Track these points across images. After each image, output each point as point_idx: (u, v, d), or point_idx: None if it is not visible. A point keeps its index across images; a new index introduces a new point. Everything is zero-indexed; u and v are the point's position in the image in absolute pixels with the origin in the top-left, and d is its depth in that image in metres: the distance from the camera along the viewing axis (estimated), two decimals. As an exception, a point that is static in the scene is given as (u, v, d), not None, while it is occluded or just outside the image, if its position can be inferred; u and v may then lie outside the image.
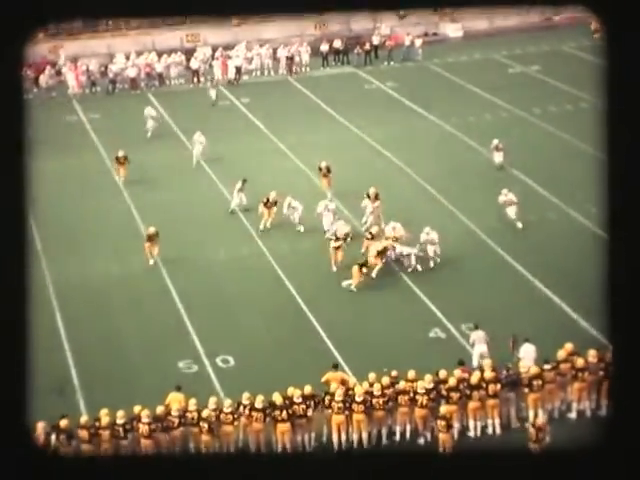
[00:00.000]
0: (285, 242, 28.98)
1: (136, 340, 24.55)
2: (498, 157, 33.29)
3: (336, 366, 21.46)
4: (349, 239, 27.26)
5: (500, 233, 29.05)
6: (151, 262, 27.68)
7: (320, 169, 32.04)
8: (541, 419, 19.46)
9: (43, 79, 43.77)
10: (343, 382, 20.49)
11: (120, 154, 33.68)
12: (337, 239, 27.06)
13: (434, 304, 25.43)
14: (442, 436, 19.33)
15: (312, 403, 19.97)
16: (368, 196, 29.92)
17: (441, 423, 19.37)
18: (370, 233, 27.75)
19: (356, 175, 34.03)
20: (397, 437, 20.25)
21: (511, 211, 28.98)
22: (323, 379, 20.64)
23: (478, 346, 21.97)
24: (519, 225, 28.79)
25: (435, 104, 40.93)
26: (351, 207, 30.68)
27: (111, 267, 28.08)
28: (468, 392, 20.16)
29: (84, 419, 19.73)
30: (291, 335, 24.29)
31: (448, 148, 36.43)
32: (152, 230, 27.83)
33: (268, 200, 29.51)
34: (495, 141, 33.43)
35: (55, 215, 31.41)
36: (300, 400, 19.81)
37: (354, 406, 19.84)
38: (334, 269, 26.81)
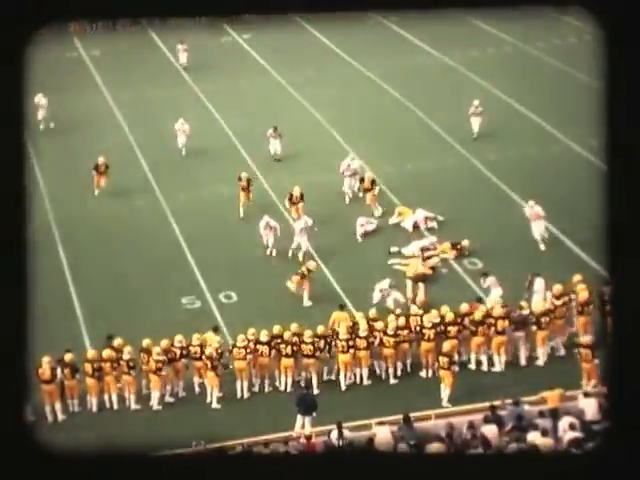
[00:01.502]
0: (293, 180, 28.88)
1: (139, 276, 24.66)
2: (475, 124, 30.70)
3: (342, 306, 21.52)
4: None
5: (501, 166, 28.99)
6: (241, 215, 26.76)
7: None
8: (588, 338, 19.48)
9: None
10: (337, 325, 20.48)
11: (100, 161, 28.52)
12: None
13: (437, 239, 25.43)
14: (443, 373, 19.47)
15: (323, 343, 20.00)
16: (362, 181, 27.19)
17: (443, 360, 19.50)
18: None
19: (359, 112, 33.92)
20: (399, 372, 20.44)
21: (537, 227, 24.68)
22: (331, 320, 20.68)
23: (494, 290, 21.87)
24: (542, 247, 24.54)
25: (438, 38, 40.47)
26: (357, 145, 30.64)
27: (113, 203, 28.07)
28: (474, 328, 20.29)
29: (90, 353, 19.95)
30: (294, 271, 24.33)
31: (451, 82, 36.14)
32: (244, 175, 26.91)
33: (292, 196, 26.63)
34: (475, 102, 31.00)
35: (56, 152, 31.38)
36: (310, 340, 19.86)
37: (358, 342, 19.93)
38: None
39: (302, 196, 26.32)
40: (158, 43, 41.93)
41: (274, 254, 24.89)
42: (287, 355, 19.92)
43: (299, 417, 18.48)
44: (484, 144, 30.51)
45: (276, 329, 20.09)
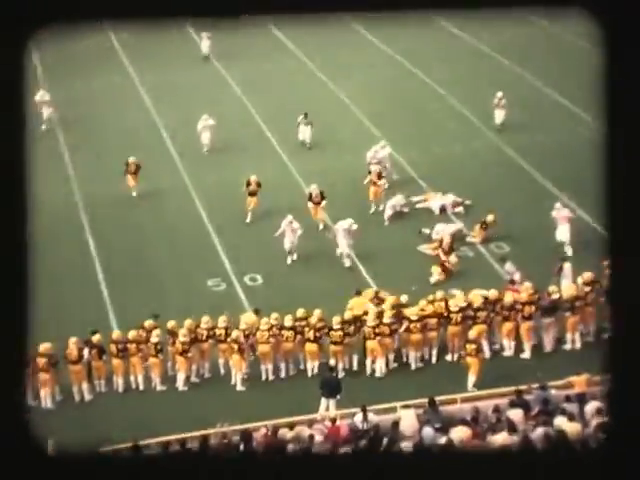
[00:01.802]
0: (317, 163, 28.81)
1: (165, 258, 24.73)
2: (499, 115, 29.94)
3: (359, 292, 21.19)
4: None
5: (530, 150, 28.80)
6: (248, 220, 25.89)
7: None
8: None
9: None
10: (365, 312, 20.23)
11: (131, 160, 27.45)
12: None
13: (461, 220, 25.26)
14: (470, 360, 19.29)
15: (353, 329, 19.87)
16: (369, 173, 26.18)
17: (470, 347, 19.33)
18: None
19: (387, 96, 33.77)
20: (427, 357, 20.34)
21: (562, 231, 23.52)
22: (348, 306, 20.50)
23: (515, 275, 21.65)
24: (569, 251, 23.26)
25: (468, 22, 40.13)
26: (385, 130, 30.51)
27: (141, 187, 28.09)
28: (507, 313, 20.14)
29: (115, 334, 20.02)
30: (320, 254, 24.29)
31: (481, 66, 35.88)
32: (253, 178, 25.77)
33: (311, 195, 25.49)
34: (499, 94, 30.12)
35: (84, 135, 31.52)
36: (338, 327, 19.68)
37: (383, 328, 19.79)
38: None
39: (322, 194, 25.05)
40: (187, 27, 41.88)
41: (294, 258, 23.86)
42: (311, 340, 19.84)
43: (323, 400, 18.45)
44: (514, 128, 30.19)
45: (300, 312, 20.06)
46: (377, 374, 19.91)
